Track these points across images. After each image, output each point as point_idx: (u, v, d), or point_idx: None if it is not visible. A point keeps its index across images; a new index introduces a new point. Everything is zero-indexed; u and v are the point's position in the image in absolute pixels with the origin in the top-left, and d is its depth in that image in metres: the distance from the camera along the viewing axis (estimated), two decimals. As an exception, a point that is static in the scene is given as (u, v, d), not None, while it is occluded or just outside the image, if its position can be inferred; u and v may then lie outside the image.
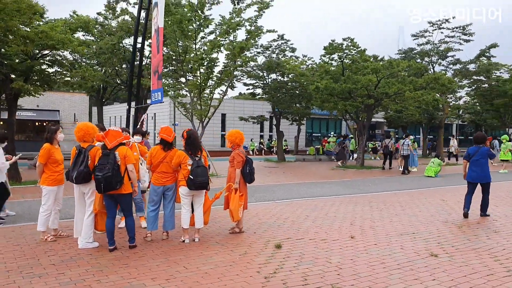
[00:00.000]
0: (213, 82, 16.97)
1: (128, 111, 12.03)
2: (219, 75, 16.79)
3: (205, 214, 6.68)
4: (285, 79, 26.32)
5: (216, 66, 16.27)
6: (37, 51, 14.06)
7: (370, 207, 9.85)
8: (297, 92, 26.36)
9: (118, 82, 24.03)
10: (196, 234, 6.58)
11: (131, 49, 21.62)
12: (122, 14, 23.13)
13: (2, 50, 13.47)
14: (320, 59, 25.19)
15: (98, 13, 23.54)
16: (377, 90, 20.38)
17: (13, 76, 13.72)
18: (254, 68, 25.74)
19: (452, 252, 6.00)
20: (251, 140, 37.88)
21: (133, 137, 7.80)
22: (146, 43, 17.32)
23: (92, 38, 22.17)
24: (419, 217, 8.65)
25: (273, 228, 7.49)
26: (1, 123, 21.04)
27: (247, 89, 30.34)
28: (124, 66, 22.85)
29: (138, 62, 12.54)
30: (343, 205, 10.01)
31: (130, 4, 21.90)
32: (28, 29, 12.94)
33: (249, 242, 6.51)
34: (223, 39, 16.08)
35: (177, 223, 6.84)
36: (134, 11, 22.20)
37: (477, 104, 33.91)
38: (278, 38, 25.92)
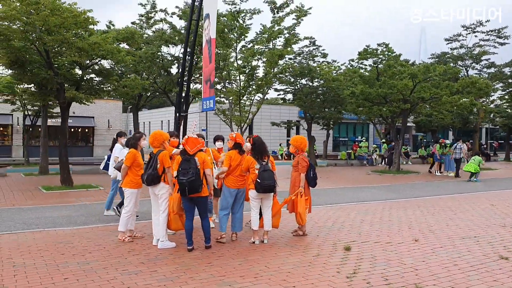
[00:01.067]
0: (251, 89, 17.35)
1: (178, 118, 12.44)
2: (259, 82, 17.13)
3: (274, 217, 6.97)
4: (315, 84, 26.56)
5: (256, 73, 16.66)
6: (87, 61, 14.69)
7: (420, 211, 9.96)
8: (327, 96, 26.50)
9: (152, 89, 24.61)
10: (265, 236, 6.87)
11: (169, 58, 22.36)
12: (155, 24, 23.73)
13: (55, 60, 14.11)
14: (349, 63, 25.44)
15: (133, 23, 24.15)
16: (413, 95, 20.39)
17: (66, 85, 14.34)
18: (287, 74, 26.04)
19: (522, 255, 6.12)
20: (280, 145, 38.11)
21: (215, 143, 8.17)
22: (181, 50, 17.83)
23: (128, 47, 22.75)
24: (475, 221, 8.74)
25: (333, 231, 7.72)
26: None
27: (278, 95, 30.70)
28: (161, 74, 23.40)
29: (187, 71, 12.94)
30: (393, 210, 10.16)
31: (168, 14, 22.48)
32: (76, 40, 13.50)
33: (317, 244, 6.75)
34: (264, 47, 16.44)
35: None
36: (172, 20, 22.90)
37: (509, 107, 33.40)
38: (310, 44, 26.20)
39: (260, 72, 17.38)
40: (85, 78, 14.70)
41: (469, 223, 8.56)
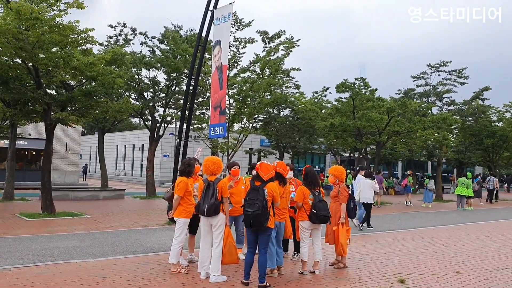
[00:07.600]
0: (243, 116, 17.30)
1: (179, 144, 12.09)
2: (249, 110, 17.12)
3: (319, 248, 6.83)
4: (284, 113, 26.99)
5: (248, 100, 16.65)
6: (75, 82, 14.05)
7: (429, 242, 10.15)
8: (300, 127, 26.89)
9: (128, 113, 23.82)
10: (315, 266, 6.72)
11: (146, 81, 21.85)
12: (124, 46, 23.02)
13: (43, 80, 13.36)
14: (312, 95, 26.50)
15: (100, 44, 23.15)
16: (388, 128, 21.19)
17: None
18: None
19: None
20: (246, 173, 37.89)
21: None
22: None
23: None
24: (489, 252, 9.03)
25: (369, 263, 7.66)
26: None
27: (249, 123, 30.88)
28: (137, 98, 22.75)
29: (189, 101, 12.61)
30: (402, 240, 10.29)
31: (148, 37, 22.06)
32: (73, 59, 12.89)
33: (367, 276, 6.65)
34: (255, 76, 16.53)
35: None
36: (152, 44, 22.30)
37: (461, 142, 35.37)
38: (284, 75, 26.62)
39: (250, 100, 17.37)
40: (73, 99, 13.98)
41: (486, 254, 8.82)
